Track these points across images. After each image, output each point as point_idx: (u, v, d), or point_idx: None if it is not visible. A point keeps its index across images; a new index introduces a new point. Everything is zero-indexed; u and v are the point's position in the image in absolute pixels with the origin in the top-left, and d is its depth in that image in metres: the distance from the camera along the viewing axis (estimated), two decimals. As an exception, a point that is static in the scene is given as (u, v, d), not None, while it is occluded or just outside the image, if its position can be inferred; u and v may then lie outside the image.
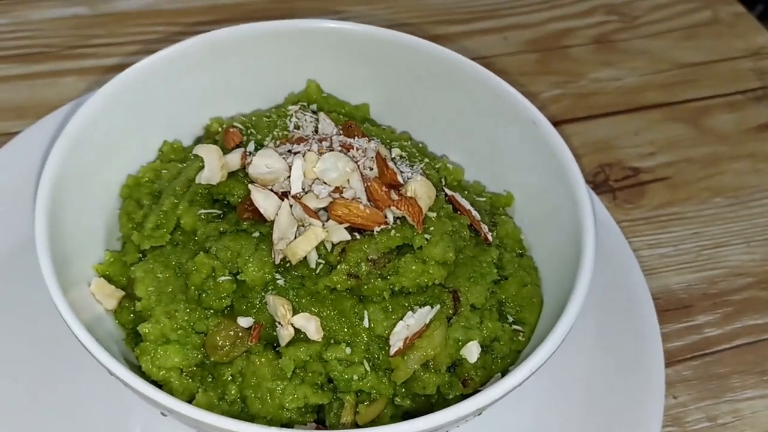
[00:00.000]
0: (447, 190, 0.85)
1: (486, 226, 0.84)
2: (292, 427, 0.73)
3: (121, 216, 0.84)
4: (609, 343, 0.92)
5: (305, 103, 0.91)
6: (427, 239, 0.76)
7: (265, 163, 0.76)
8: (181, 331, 0.74)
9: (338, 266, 0.73)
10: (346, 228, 0.74)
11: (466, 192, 0.89)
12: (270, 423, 0.72)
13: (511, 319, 0.80)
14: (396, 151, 0.86)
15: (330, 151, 0.78)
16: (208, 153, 0.78)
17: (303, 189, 0.76)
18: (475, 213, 0.84)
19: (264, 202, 0.75)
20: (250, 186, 0.76)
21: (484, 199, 0.90)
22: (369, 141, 0.81)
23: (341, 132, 0.84)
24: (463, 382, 0.75)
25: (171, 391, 0.74)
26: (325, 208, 0.74)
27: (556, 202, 0.84)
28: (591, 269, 0.75)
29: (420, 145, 0.95)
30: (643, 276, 0.98)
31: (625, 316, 0.94)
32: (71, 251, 0.77)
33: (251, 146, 0.83)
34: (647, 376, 0.88)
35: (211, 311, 0.75)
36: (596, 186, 1.18)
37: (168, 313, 0.75)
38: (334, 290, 0.74)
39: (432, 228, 0.77)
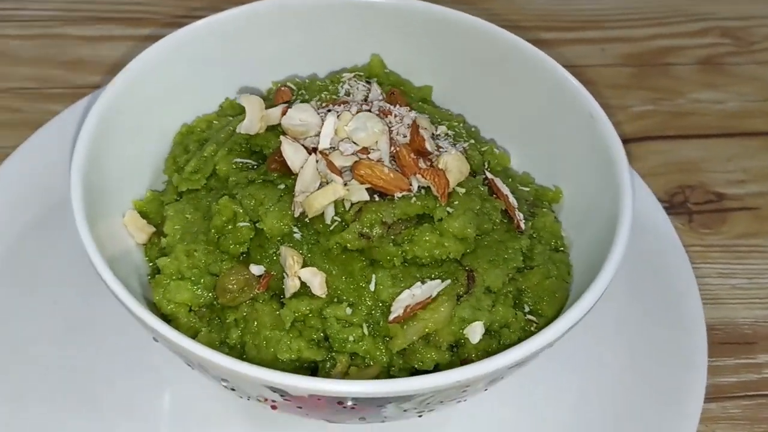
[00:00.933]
0: (488, 173, 0.83)
1: (522, 215, 0.81)
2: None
3: (167, 159, 0.87)
4: (647, 359, 0.86)
5: (360, 73, 0.91)
6: (448, 212, 0.73)
7: (299, 116, 0.77)
8: (196, 270, 0.76)
9: (351, 225, 0.72)
10: (367, 189, 0.73)
11: (509, 179, 0.86)
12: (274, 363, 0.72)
13: (527, 309, 0.76)
14: (442, 129, 0.84)
15: (380, 113, 0.78)
16: (250, 103, 0.80)
17: (332, 146, 0.75)
18: (512, 200, 0.81)
19: (292, 153, 0.75)
20: (281, 137, 0.76)
21: (528, 189, 0.87)
22: (410, 110, 0.80)
23: (384, 98, 0.83)
24: (462, 363, 0.72)
25: (177, 327, 0.75)
26: (350, 168, 0.74)
27: (599, 201, 0.79)
28: (617, 264, 0.70)
29: (472, 129, 0.93)
30: (699, 300, 0.91)
31: (671, 336, 0.87)
32: (113, 185, 0.81)
33: (296, 104, 0.83)
34: (682, 409, 0.82)
35: (227, 255, 0.76)
36: (672, 206, 1.11)
37: (188, 251, 0.76)
38: (346, 250, 0.73)
39: (456, 202, 0.74)
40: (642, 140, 1.20)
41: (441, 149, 0.78)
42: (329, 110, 0.79)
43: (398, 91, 0.84)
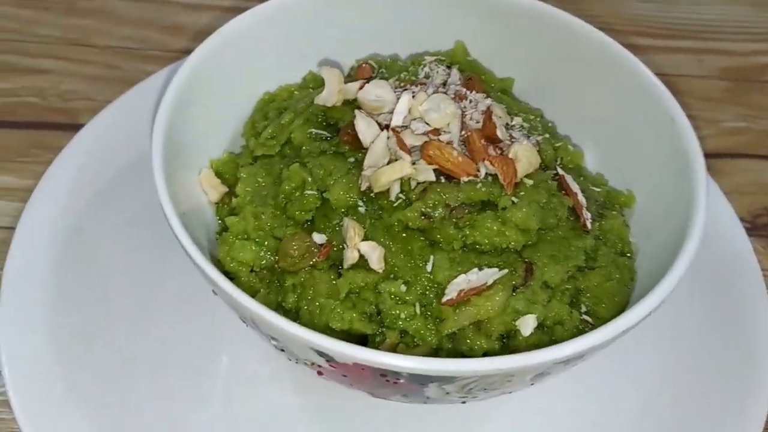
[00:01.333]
0: (559, 169, 0.82)
1: (589, 214, 0.79)
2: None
3: (247, 123, 0.90)
4: (708, 377, 0.84)
5: (442, 58, 0.91)
6: (513, 202, 0.73)
7: (375, 91, 0.77)
8: (261, 232, 0.78)
9: (414, 203, 0.72)
10: (434, 170, 0.73)
11: (581, 178, 0.85)
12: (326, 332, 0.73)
13: (584, 309, 0.75)
14: (518, 120, 0.84)
15: (455, 97, 0.78)
16: (329, 74, 0.81)
17: (404, 125, 0.76)
18: (581, 198, 0.80)
19: (365, 128, 0.76)
20: (356, 111, 0.78)
21: (599, 190, 0.85)
22: (486, 98, 0.80)
23: (461, 83, 0.83)
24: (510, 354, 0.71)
25: (237, 285, 0.77)
26: (420, 148, 0.74)
27: (672, 210, 0.77)
28: (681, 272, 0.68)
29: (549, 124, 0.92)
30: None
31: (736, 356, 0.85)
32: (192, 144, 0.84)
33: (374, 80, 0.84)
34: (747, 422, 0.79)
35: (292, 221, 0.78)
36: (754, 227, 1.07)
37: (255, 213, 0.79)
38: (407, 228, 0.73)
39: (522, 193, 0.74)
40: (730, 157, 1.16)
41: (513, 139, 0.78)
42: (405, 89, 0.80)
43: (476, 78, 0.84)
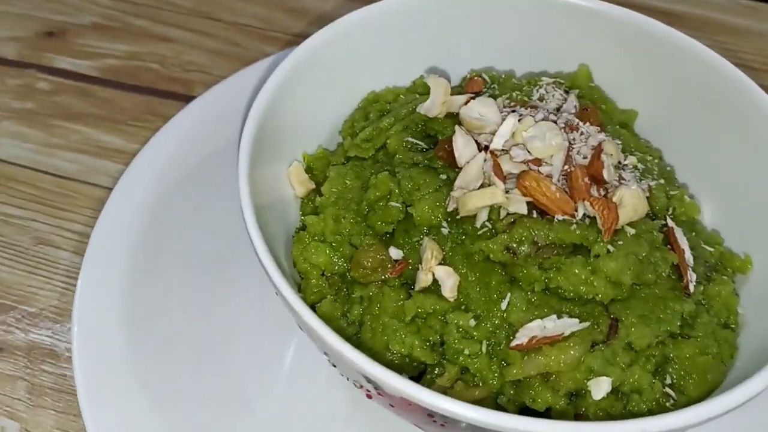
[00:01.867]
0: (669, 220, 0.74)
1: (695, 275, 0.72)
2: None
3: (346, 121, 0.87)
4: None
5: (561, 81, 0.84)
6: (608, 250, 0.67)
7: (480, 109, 0.73)
8: (339, 237, 0.75)
9: (500, 235, 0.67)
10: (528, 203, 0.68)
11: (693, 233, 0.77)
12: (379, 355, 0.70)
13: (668, 381, 0.67)
14: (632, 159, 0.77)
15: (565, 128, 0.72)
16: (436, 84, 0.77)
17: (504, 149, 0.71)
18: (688, 256, 0.72)
19: (462, 146, 0.72)
20: (456, 127, 0.73)
21: (712, 250, 0.77)
22: (599, 132, 0.74)
23: (576, 112, 0.77)
24: (576, 416, 0.65)
25: (306, 287, 0.75)
26: (517, 176, 0.69)
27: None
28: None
29: (667, 168, 0.84)
30: None
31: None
32: (287, 134, 0.82)
33: (481, 97, 0.79)
34: None
35: (372, 231, 0.74)
36: None
37: (336, 216, 0.76)
38: (488, 259, 0.68)
39: (621, 242, 0.67)
40: None
41: (622, 181, 0.71)
42: (513, 110, 0.75)
43: (593, 108, 0.78)
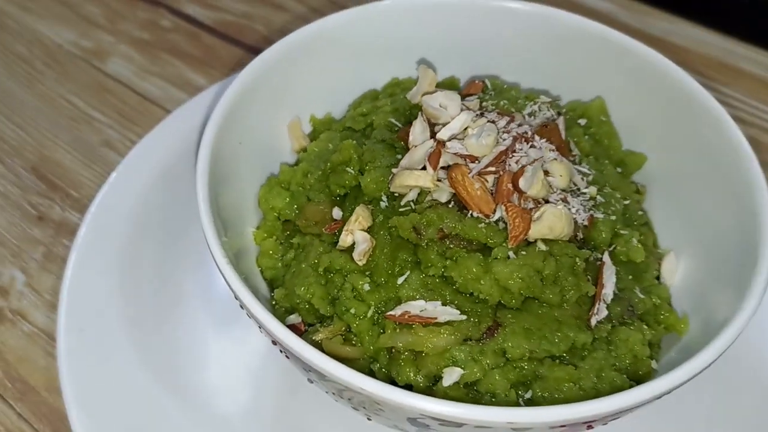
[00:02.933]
0: (605, 256, 0.74)
1: (605, 313, 0.71)
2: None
3: (358, 98, 0.93)
4: None
5: (558, 102, 0.86)
6: (509, 256, 0.68)
7: (442, 100, 0.77)
8: (301, 189, 0.82)
9: (411, 215, 0.71)
10: (452, 194, 0.71)
11: (631, 277, 0.76)
12: (287, 296, 0.76)
13: (529, 396, 0.67)
14: (591, 191, 0.77)
15: (514, 137, 0.74)
16: (424, 73, 0.82)
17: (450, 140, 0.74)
18: (607, 292, 0.71)
19: (418, 132, 0.76)
20: (419, 113, 0.78)
21: (651, 300, 0.75)
22: (553, 150, 0.75)
23: (545, 127, 0.78)
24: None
25: (263, 224, 0.83)
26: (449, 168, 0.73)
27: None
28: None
29: (640, 213, 0.82)
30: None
31: None
32: (303, 93, 0.90)
33: (474, 99, 0.83)
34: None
35: (328, 191, 0.81)
36: None
37: (305, 171, 0.83)
38: (402, 238, 0.72)
39: (524, 254, 0.69)
40: None
41: (550, 201, 0.72)
42: (482, 113, 0.78)
43: (553, 127, 0.78)
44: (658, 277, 0.82)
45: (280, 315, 0.77)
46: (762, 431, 0.77)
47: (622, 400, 0.58)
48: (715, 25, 1.33)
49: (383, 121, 0.84)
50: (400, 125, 0.83)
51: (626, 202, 0.80)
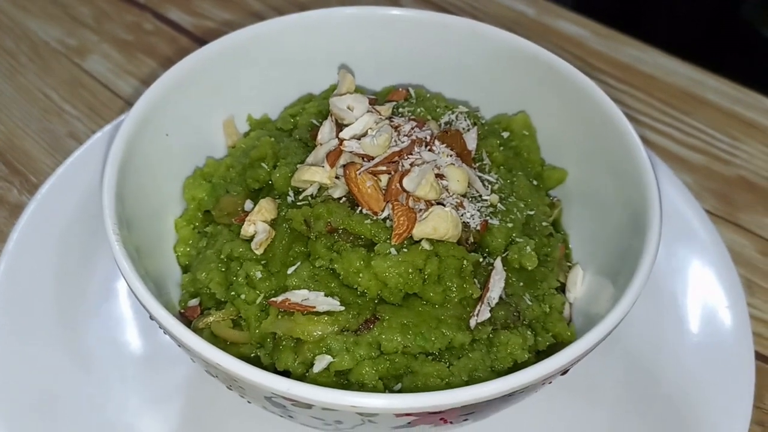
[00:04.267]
0: (497, 262, 0.75)
1: (487, 315, 0.72)
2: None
3: (296, 100, 0.97)
4: None
5: (477, 113, 0.88)
6: (388, 252, 0.70)
7: (349, 102, 0.80)
8: (222, 181, 0.86)
9: (304, 207, 0.74)
10: (347, 191, 0.74)
11: (521, 284, 0.77)
12: (191, 281, 0.80)
13: (398, 388, 0.69)
14: (493, 198, 0.79)
15: (413, 140, 0.77)
16: (343, 78, 0.85)
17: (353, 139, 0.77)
18: (492, 296, 0.73)
19: (326, 131, 0.79)
20: (329, 114, 0.81)
21: (540, 308, 0.77)
22: (451, 155, 0.77)
23: (446, 133, 0.80)
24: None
25: (185, 213, 0.87)
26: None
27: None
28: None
29: (544, 224, 0.84)
30: None
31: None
32: (243, 96, 0.94)
33: (391, 105, 0.86)
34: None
35: (244, 184, 0.84)
36: None
37: (228, 165, 0.87)
38: (296, 231, 0.75)
39: (405, 251, 0.71)
40: None
41: (443, 203, 0.74)
42: (392, 117, 0.81)
43: (454, 134, 0.80)
44: (563, 288, 0.84)
45: (185, 299, 0.81)
46: None
47: (448, 396, 0.59)
48: (683, 54, 1.34)
49: (306, 121, 0.87)
50: (319, 125, 0.86)
51: (531, 212, 0.82)
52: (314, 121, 0.86)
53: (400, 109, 0.85)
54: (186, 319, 0.78)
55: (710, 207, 1.10)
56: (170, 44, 1.33)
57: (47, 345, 0.84)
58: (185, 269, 0.85)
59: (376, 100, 0.86)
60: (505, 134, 0.89)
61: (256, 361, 0.73)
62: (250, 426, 0.79)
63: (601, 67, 1.32)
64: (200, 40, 1.34)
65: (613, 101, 1.25)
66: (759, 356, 0.93)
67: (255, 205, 0.81)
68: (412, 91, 0.90)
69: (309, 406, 0.62)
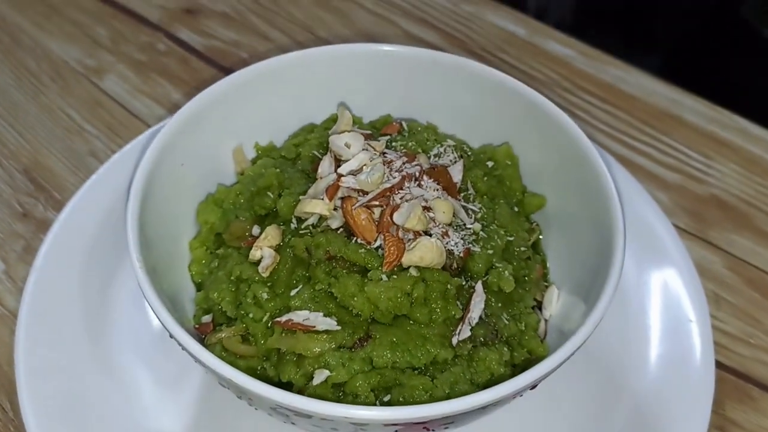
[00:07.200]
0: (478, 285, 0.84)
1: (468, 333, 0.81)
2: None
3: (299, 129, 1.06)
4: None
5: (465, 147, 0.97)
6: (380, 278, 0.80)
7: (347, 140, 0.88)
8: (232, 207, 0.95)
9: (305, 237, 0.83)
10: (343, 223, 0.83)
11: (500, 305, 0.86)
12: (205, 298, 0.89)
13: (387, 399, 0.79)
14: (476, 227, 0.87)
15: (402, 177, 0.86)
16: (342, 114, 0.94)
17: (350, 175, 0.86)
18: (473, 316, 0.82)
19: (326, 166, 0.88)
20: (328, 150, 0.90)
21: (519, 329, 0.86)
22: (438, 190, 0.86)
23: (434, 169, 0.89)
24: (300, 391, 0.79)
25: (198, 236, 0.96)
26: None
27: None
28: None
29: (523, 249, 0.92)
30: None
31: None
32: (253, 125, 1.03)
33: (385, 140, 0.94)
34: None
35: (252, 211, 0.93)
36: None
37: (238, 191, 0.96)
38: (299, 257, 0.85)
39: (395, 277, 0.80)
40: None
41: (430, 234, 0.83)
42: (385, 152, 0.90)
43: (441, 170, 0.89)
44: (540, 307, 0.93)
45: (199, 314, 0.90)
46: None
47: (431, 409, 0.68)
48: (684, 54, 1.41)
49: (308, 153, 0.96)
50: (320, 157, 0.95)
51: (510, 238, 0.91)
52: (316, 153, 0.95)
53: (393, 143, 0.94)
54: (200, 334, 0.87)
55: (683, 224, 1.19)
56: (181, 64, 1.42)
57: (75, 354, 0.93)
58: (199, 287, 0.94)
59: (372, 134, 0.94)
60: (490, 163, 0.98)
61: (262, 373, 0.83)
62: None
63: (585, 87, 1.40)
64: (209, 60, 1.43)
65: (596, 121, 1.34)
66: (722, 366, 1.02)
67: (262, 230, 0.91)
68: (404, 125, 0.99)
69: (309, 416, 0.71)
